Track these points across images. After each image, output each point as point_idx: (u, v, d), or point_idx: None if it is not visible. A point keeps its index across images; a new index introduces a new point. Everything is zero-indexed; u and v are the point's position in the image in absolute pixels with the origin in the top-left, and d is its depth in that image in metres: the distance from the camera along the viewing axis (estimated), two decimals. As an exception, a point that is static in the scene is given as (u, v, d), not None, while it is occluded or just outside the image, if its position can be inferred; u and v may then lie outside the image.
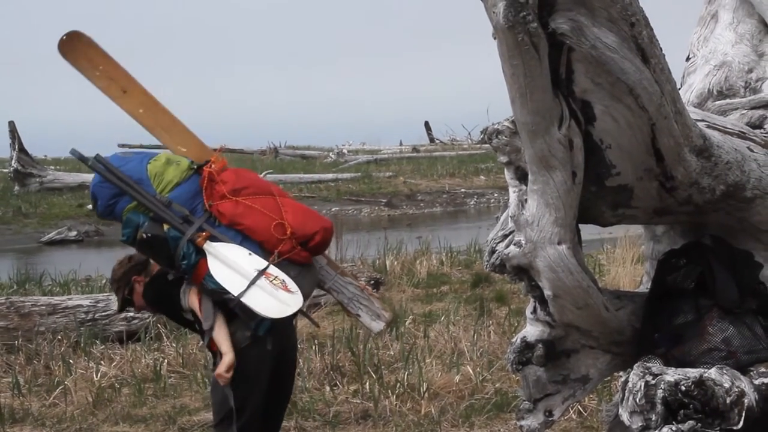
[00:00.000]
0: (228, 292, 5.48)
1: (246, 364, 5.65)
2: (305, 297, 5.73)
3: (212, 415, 6.15)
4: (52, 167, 41.45)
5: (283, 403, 6.27)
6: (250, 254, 5.59)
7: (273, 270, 5.58)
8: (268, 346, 5.68)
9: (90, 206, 28.96)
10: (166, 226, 5.62)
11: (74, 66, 6.02)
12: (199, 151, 6.07)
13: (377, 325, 6.03)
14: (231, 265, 5.53)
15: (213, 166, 5.83)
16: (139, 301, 6.08)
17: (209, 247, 5.58)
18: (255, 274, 5.51)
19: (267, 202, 5.77)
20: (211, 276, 5.52)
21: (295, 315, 5.90)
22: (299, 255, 5.74)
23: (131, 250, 6.06)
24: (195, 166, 5.83)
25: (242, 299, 5.45)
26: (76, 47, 6.03)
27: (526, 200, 3.82)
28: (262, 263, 5.58)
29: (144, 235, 5.60)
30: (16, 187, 36.75)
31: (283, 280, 5.56)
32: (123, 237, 5.74)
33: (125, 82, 6.06)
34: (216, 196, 5.73)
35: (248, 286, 5.47)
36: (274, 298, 5.50)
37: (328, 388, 8.99)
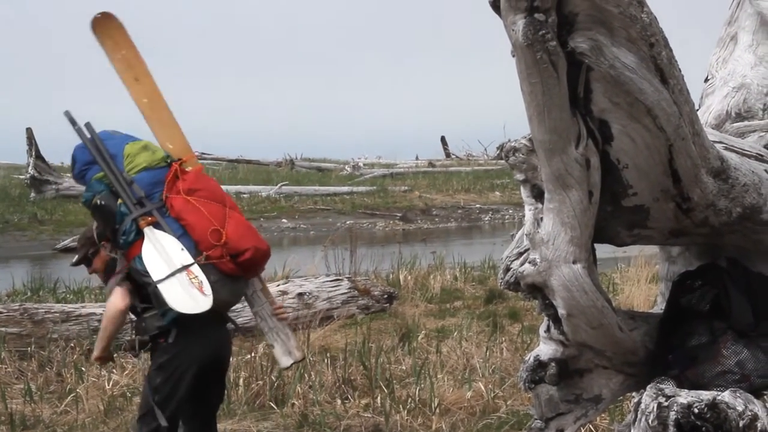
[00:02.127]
0: (149, 275, 5.71)
1: (168, 363, 5.93)
2: (222, 304, 5.94)
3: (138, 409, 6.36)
4: (69, 174, 41.45)
5: (213, 410, 6.48)
6: (182, 249, 5.81)
7: (195, 269, 5.77)
8: (169, 339, 5.86)
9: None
10: (120, 201, 5.92)
11: (100, 43, 6.38)
12: (184, 151, 6.39)
13: (286, 360, 6.26)
14: (161, 253, 5.77)
15: (183, 164, 6.18)
16: (97, 264, 6.31)
17: (149, 231, 5.83)
18: (179, 267, 5.73)
19: (215, 209, 6.01)
20: (140, 257, 5.77)
21: (225, 326, 6.26)
22: (225, 265, 5.91)
23: None
24: (169, 161, 6.17)
25: (158, 285, 5.68)
26: (107, 27, 6.40)
27: (541, 218, 3.82)
28: (189, 260, 5.78)
29: (98, 201, 5.95)
30: (33, 194, 36.91)
31: (201, 282, 5.74)
32: (83, 199, 6.13)
33: (140, 71, 6.44)
34: (174, 190, 6.01)
35: (168, 276, 5.69)
36: (187, 294, 5.69)
37: (339, 402, 8.98)
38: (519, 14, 3.27)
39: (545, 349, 4.12)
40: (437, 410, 8.45)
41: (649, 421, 3.61)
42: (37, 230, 31.34)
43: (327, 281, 14.10)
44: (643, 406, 3.70)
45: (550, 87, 3.36)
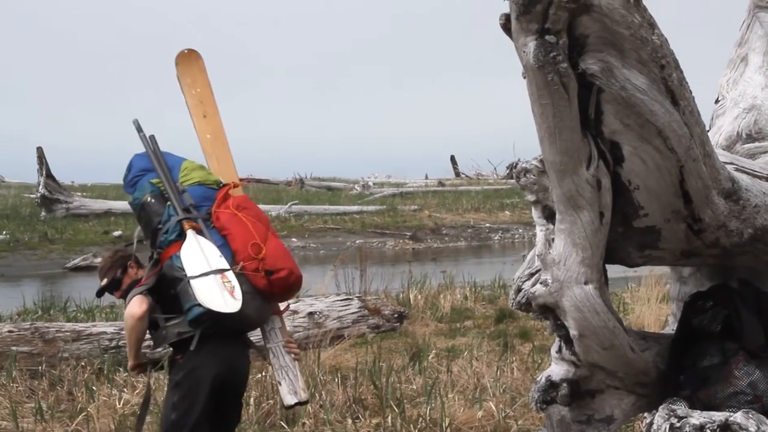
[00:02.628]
0: (183, 271, 5.82)
1: (184, 380, 5.96)
2: (246, 318, 6.00)
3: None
4: (79, 193, 41.77)
5: (229, 426, 6.47)
6: (220, 256, 5.92)
7: (230, 275, 5.88)
8: (191, 347, 5.87)
9: (115, 233, 29.02)
10: (169, 203, 6.12)
11: (179, 77, 6.79)
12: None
13: (290, 399, 6.22)
14: (199, 254, 5.89)
15: (235, 188, 6.44)
16: (127, 283, 6.34)
17: (192, 233, 5.98)
18: (214, 269, 5.84)
19: (259, 227, 6.15)
20: (177, 255, 5.89)
21: (246, 347, 6.28)
22: (259, 280, 6.00)
23: None
24: (220, 185, 6.38)
25: (191, 281, 5.76)
26: (189, 64, 6.81)
27: (553, 239, 3.82)
28: (225, 266, 5.89)
29: (149, 199, 6.14)
30: (43, 213, 37.00)
31: (234, 286, 5.84)
32: (132, 200, 6.29)
33: (210, 109, 6.82)
34: (222, 206, 6.21)
35: (201, 275, 5.79)
36: (218, 293, 5.78)
37: (350, 421, 8.96)
38: (530, 36, 3.29)
39: (557, 370, 4.13)
40: (448, 430, 8.43)
41: (662, 442, 3.61)
42: (47, 249, 31.38)
43: (337, 300, 14.09)
44: (655, 426, 3.70)
45: (561, 108, 3.37)
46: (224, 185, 6.38)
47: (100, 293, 6.52)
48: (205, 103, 6.79)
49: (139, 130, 6.48)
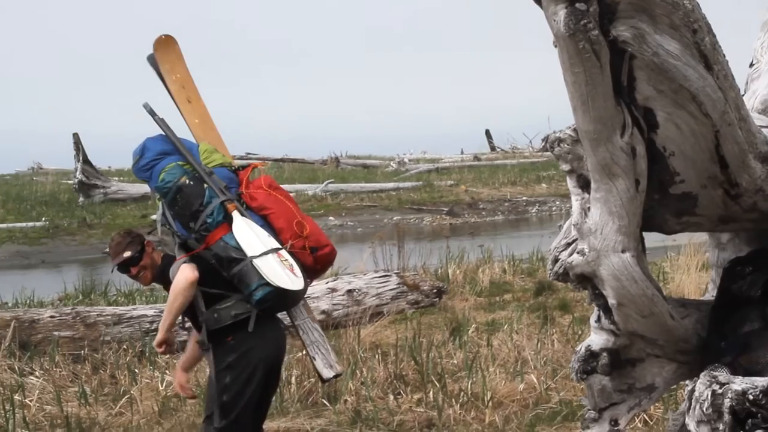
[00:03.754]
0: (241, 252, 5.88)
1: (237, 361, 6.04)
2: (298, 297, 6.17)
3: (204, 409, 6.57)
4: (116, 178, 42.02)
5: (265, 409, 6.63)
6: (269, 236, 6.00)
7: (284, 253, 5.99)
8: (249, 329, 5.95)
9: (153, 216, 29.34)
10: (205, 185, 6.10)
11: (158, 64, 6.76)
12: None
13: (328, 372, 6.36)
14: (251, 233, 5.96)
15: (254, 169, 6.50)
16: (146, 261, 6.33)
17: (237, 214, 6.03)
18: (271, 248, 5.93)
19: (294, 206, 6.30)
20: (231, 236, 5.94)
21: (283, 326, 6.46)
22: (306, 257, 6.13)
23: None
24: (234, 168, 6.44)
25: (254, 260, 5.84)
26: (167, 50, 6.80)
27: (589, 208, 3.80)
28: (277, 245, 5.99)
29: (186, 181, 6.09)
30: (81, 198, 37.26)
31: (292, 264, 5.96)
32: (161, 183, 6.14)
33: (193, 94, 6.80)
34: (253, 185, 6.29)
35: (262, 254, 5.87)
36: (281, 271, 5.88)
37: (391, 397, 8.99)
38: (560, 4, 3.26)
39: (596, 339, 4.11)
40: (490, 403, 8.45)
41: (704, 409, 3.58)
42: (86, 234, 31.60)
43: (376, 277, 14.11)
44: (697, 393, 3.67)
45: (594, 76, 3.34)
46: (237, 169, 6.42)
47: (120, 267, 6.41)
48: (187, 88, 6.81)
49: (152, 113, 6.45)
